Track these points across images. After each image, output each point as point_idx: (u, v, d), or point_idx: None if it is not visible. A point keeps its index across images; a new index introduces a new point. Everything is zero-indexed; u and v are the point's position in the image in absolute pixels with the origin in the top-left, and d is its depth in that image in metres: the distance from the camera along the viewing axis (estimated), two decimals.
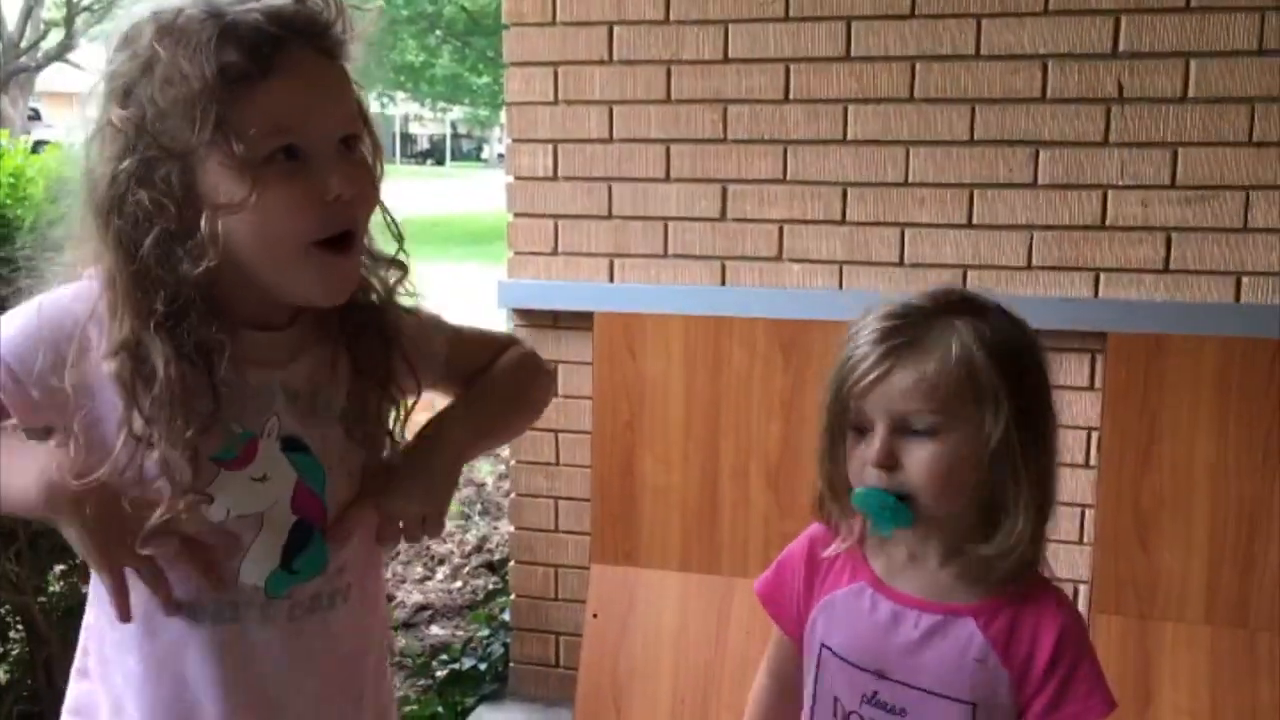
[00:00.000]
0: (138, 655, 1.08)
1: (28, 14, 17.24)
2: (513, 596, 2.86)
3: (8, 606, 2.31)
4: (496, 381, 1.27)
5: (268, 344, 1.09)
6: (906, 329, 1.17)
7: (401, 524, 1.16)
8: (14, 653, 2.43)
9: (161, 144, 0.98)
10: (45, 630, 2.26)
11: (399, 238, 1.16)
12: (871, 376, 1.15)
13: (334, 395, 1.13)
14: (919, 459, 1.15)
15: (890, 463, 1.15)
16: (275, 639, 1.10)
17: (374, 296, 1.15)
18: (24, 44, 17.50)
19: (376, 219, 1.13)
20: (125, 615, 1.04)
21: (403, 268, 1.17)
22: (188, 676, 1.08)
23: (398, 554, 4.17)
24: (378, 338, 1.15)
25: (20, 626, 2.35)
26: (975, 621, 1.19)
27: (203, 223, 0.99)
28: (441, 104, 24.43)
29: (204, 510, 1.04)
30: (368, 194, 1.07)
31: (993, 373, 1.14)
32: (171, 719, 1.09)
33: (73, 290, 1.05)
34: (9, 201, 2.13)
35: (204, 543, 1.05)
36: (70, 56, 17.25)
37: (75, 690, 1.16)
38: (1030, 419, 1.17)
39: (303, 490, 1.09)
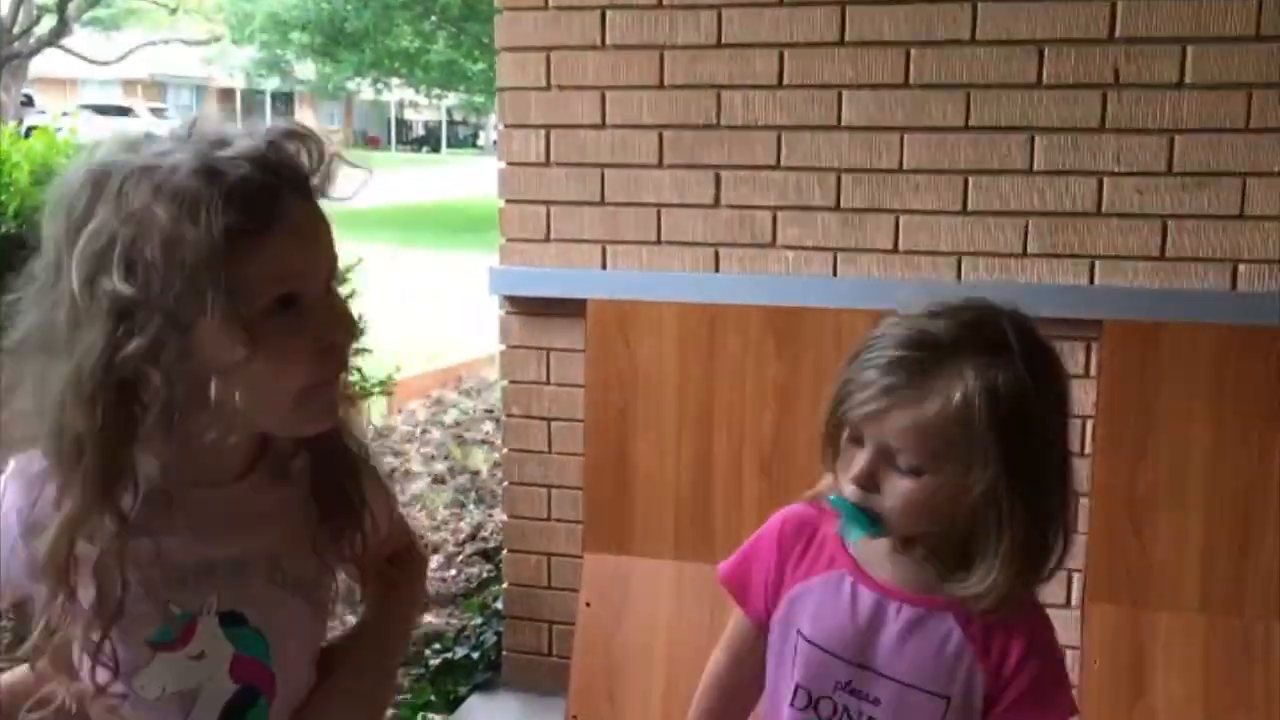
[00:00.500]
0: None
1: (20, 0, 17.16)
2: (505, 585, 2.86)
3: None
4: (412, 606, 1.30)
5: (217, 507, 1.05)
6: (915, 366, 1.14)
7: None
8: None
9: (168, 316, 0.92)
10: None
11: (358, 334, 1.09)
12: (867, 410, 1.14)
13: (290, 564, 1.08)
14: (897, 490, 1.15)
15: (869, 485, 1.16)
16: None
17: (350, 442, 1.12)
18: (16, 30, 17.43)
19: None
20: None
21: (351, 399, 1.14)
22: None
23: None
24: (343, 475, 1.11)
25: None
26: (955, 618, 1.19)
27: (212, 390, 0.95)
28: (436, 90, 24.37)
29: (138, 688, 1.02)
30: (353, 333, 1.04)
31: (988, 431, 1.11)
32: None
33: None
34: None
35: None
36: (63, 42, 17.18)
37: None
38: (1027, 472, 1.14)
39: (242, 660, 1.06)
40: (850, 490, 1.17)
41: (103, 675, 1.01)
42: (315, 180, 1.00)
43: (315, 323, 0.98)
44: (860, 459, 1.16)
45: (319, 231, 1.01)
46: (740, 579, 1.34)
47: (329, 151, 1.01)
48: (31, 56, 17.60)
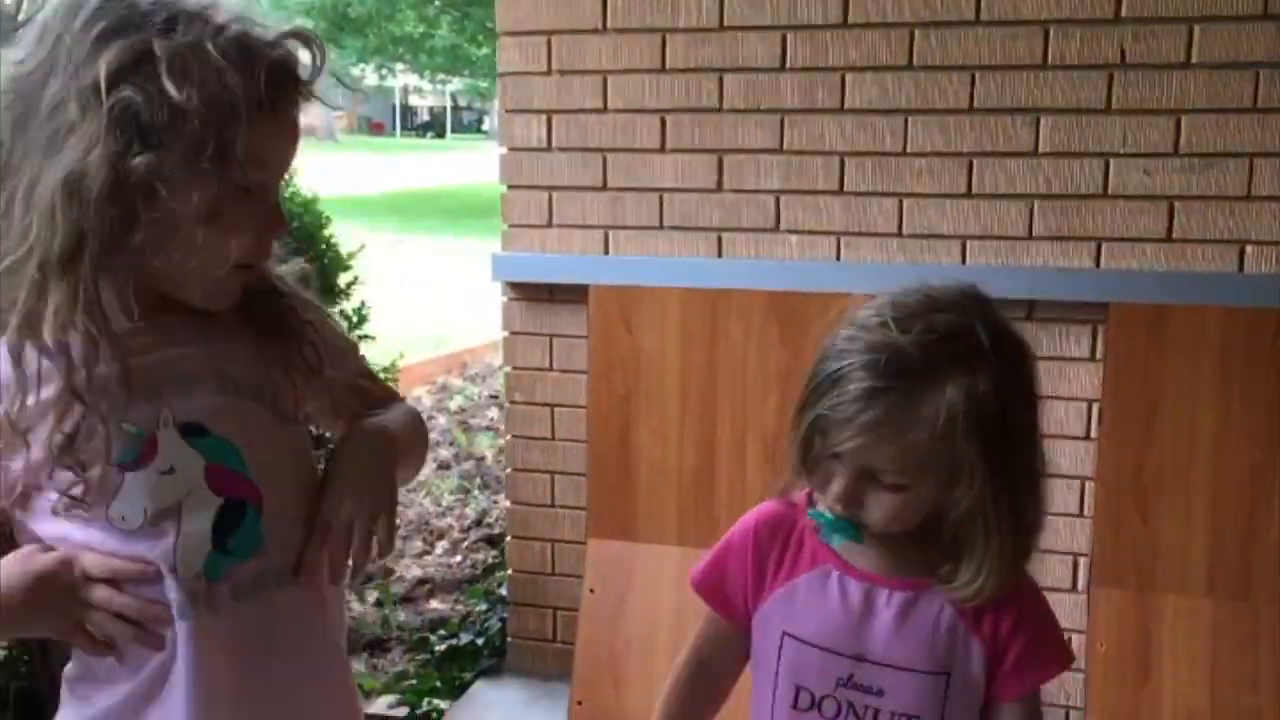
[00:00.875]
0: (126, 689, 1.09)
1: None
2: (510, 571, 2.85)
3: None
4: (400, 414, 1.28)
5: (152, 332, 1.07)
6: (895, 398, 1.09)
7: (354, 532, 1.12)
8: None
9: (205, 143, 0.96)
10: None
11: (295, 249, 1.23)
12: (851, 446, 1.11)
13: (239, 373, 1.11)
14: (881, 504, 1.14)
15: (853, 503, 1.15)
16: (225, 625, 1.07)
17: (281, 288, 1.17)
18: (21, 16, 17.43)
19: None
20: (120, 653, 1.06)
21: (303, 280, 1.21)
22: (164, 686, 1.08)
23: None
24: (282, 317, 1.16)
25: None
26: (944, 594, 1.19)
27: (170, 224, 0.99)
28: (441, 76, 24.31)
29: (118, 518, 1.03)
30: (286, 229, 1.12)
31: (972, 444, 1.09)
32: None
33: None
34: None
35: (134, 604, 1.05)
36: None
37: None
38: (1011, 474, 1.13)
39: (217, 471, 1.07)
40: (833, 505, 1.16)
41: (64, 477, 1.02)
42: (309, 83, 1.07)
43: (266, 209, 1.06)
44: (840, 479, 1.14)
45: (295, 133, 1.07)
46: (714, 583, 1.32)
47: (326, 64, 1.07)
48: None
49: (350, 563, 1.14)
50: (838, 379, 1.12)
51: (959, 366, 1.10)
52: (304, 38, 1.06)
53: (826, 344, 1.17)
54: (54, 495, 1.04)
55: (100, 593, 1.04)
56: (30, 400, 1.00)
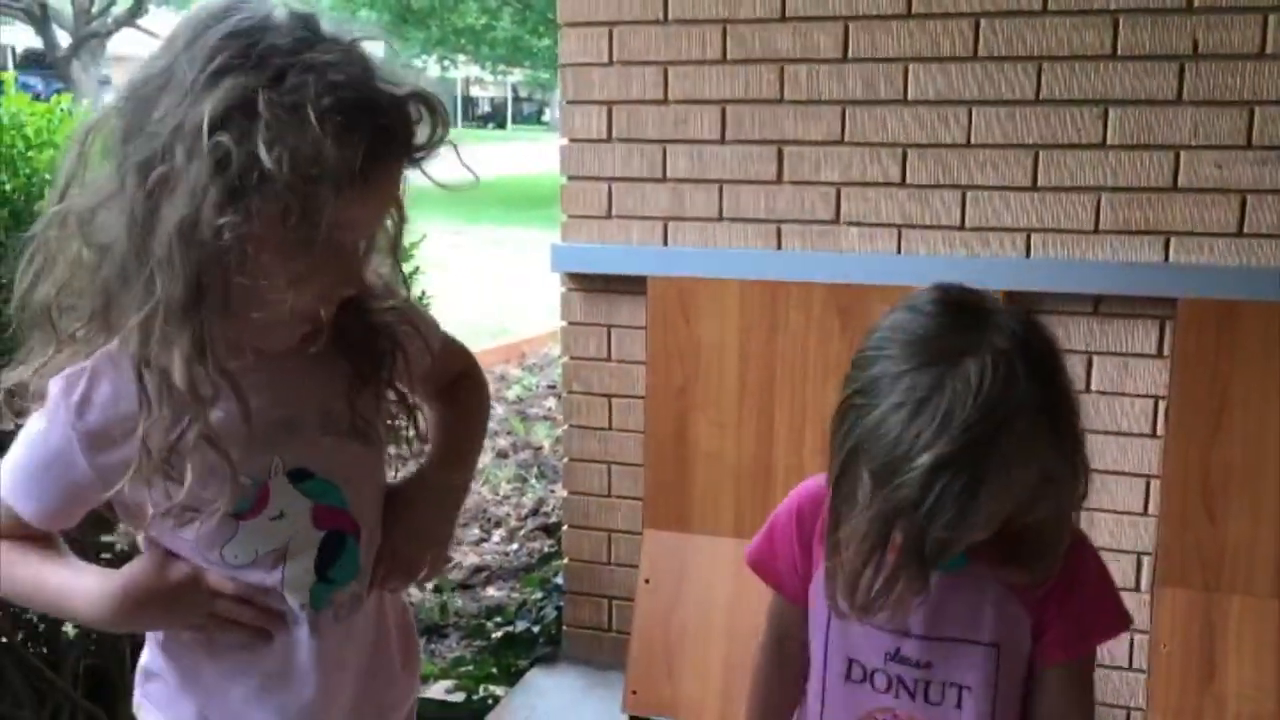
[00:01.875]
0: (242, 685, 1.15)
1: None
2: (566, 560, 2.87)
3: None
4: (474, 422, 1.35)
5: (251, 379, 1.07)
6: (971, 464, 1.01)
7: (410, 565, 1.22)
8: None
9: (291, 208, 0.94)
10: None
11: (405, 290, 1.20)
12: (942, 536, 1.03)
13: (339, 410, 1.14)
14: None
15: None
16: (323, 646, 1.15)
17: (374, 314, 1.16)
18: (94, 10, 17.77)
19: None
20: (268, 634, 1.13)
21: (397, 312, 1.19)
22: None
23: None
24: (376, 344, 1.16)
25: None
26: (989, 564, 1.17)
27: (260, 278, 0.98)
28: (502, 67, 24.40)
29: (230, 558, 1.09)
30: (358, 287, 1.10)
31: (1058, 469, 1.07)
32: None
33: (47, 416, 1.05)
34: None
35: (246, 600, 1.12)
36: (140, 22, 17.48)
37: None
38: (1077, 478, 1.11)
39: (320, 509, 1.13)
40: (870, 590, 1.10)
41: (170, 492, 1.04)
42: (419, 155, 1.03)
43: (343, 267, 1.03)
44: (892, 557, 1.06)
45: (393, 199, 1.05)
46: (767, 561, 1.33)
47: (447, 137, 1.04)
48: (109, 36, 17.94)
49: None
50: (904, 448, 1.02)
51: (1029, 399, 1.04)
52: (429, 104, 1.01)
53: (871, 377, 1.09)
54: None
55: (224, 604, 1.10)
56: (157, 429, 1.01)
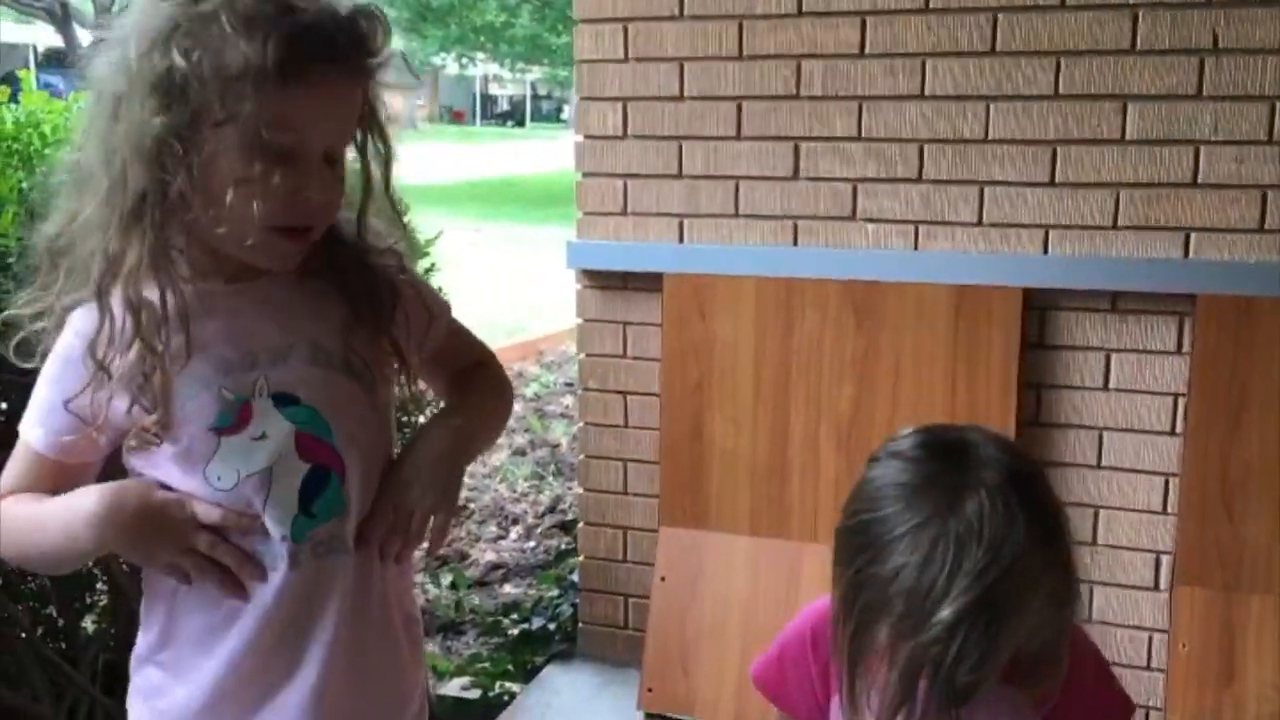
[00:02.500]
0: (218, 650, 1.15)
1: None
2: (582, 558, 2.87)
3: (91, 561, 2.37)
4: (487, 398, 1.33)
5: (248, 300, 1.14)
6: (989, 607, 1.02)
7: (413, 519, 1.20)
8: (100, 603, 2.50)
9: (211, 105, 1.02)
10: (125, 583, 2.32)
11: (401, 227, 1.24)
12: (969, 680, 1.03)
13: (332, 344, 1.17)
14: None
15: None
16: (301, 579, 1.14)
17: (371, 261, 1.20)
18: (115, 9, 17.90)
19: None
20: (243, 591, 1.13)
21: (397, 255, 1.23)
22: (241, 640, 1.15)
23: (471, 513, 4.21)
24: (375, 288, 1.19)
25: (104, 579, 2.41)
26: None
27: (203, 183, 1.05)
28: (521, 64, 24.45)
29: (214, 479, 1.11)
30: (335, 204, 1.13)
31: (1061, 589, 1.09)
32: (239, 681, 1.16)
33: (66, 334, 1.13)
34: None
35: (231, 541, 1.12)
36: None
37: (146, 677, 1.21)
38: (1073, 577, 1.12)
39: (306, 438, 1.14)
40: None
41: (140, 414, 1.10)
42: (369, 60, 1.09)
43: (298, 174, 1.06)
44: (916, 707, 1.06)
45: (342, 108, 1.10)
46: (779, 684, 1.31)
47: (390, 45, 1.10)
48: None
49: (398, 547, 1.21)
50: (926, 585, 1.04)
51: (1033, 532, 1.05)
52: (366, 12, 1.08)
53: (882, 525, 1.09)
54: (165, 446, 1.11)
55: (205, 538, 1.11)
56: (115, 349, 1.08)
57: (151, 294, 1.08)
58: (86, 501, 1.11)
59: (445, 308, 1.32)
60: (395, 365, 1.22)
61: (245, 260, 1.12)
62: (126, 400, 1.09)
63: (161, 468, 1.12)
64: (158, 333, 1.07)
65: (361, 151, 1.15)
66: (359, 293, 1.18)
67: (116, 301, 1.07)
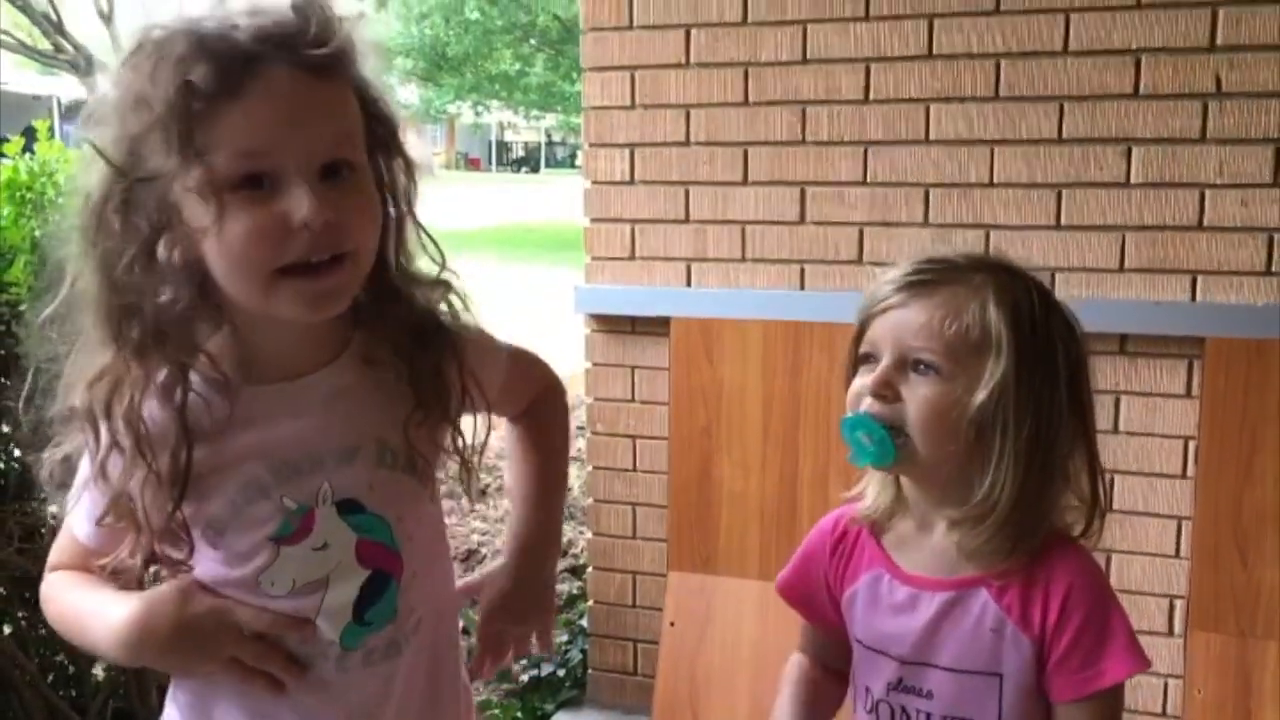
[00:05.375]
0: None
1: None
2: (591, 603, 2.86)
3: None
4: (556, 457, 1.35)
5: (312, 396, 1.06)
6: (930, 273, 1.17)
7: (515, 642, 1.26)
8: None
9: (137, 167, 0.94)
10: None
11: (440, 257, 1.12)
12: (887, 303, 1.17)
13: (397, 442, 1.09)
14: (919, 395, 1.13)
15: (888, 393, 1.14)
16: (351, 682, 1.10)
17: (428, 315, 1.13)
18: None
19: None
20: (281, 686, 1.07)
21: (446, 286, 1.13)
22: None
23: (482, 559, 4.20)
24: (437, 356, 1.11)
25: None
26: (988, 591, 1.16)
27: (161, 247, 0.96)
28: (535, 112, 24.68)
29: (267, 586, 1.05)
30: (352, 219, 0.98)
31: (1004, 328, 1.13)
32: None
33: None
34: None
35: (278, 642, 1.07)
36: None
37: None
38: (1036, 380, 1.13)
39: (366, 545, 1.08)
40: (868, 402, 1.15)
41: (174, 551, 1.04)
42: (324, 51, 0.95)
43: (284, 200, 0.94)
44: (876, 368, 1.16)
45: (309, 109, 0.95)
46: (800, 591, 1.32)
47: (344, 26, 0.97)
48: None
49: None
50: (882, 274, 1.21)
51: (995, 271, 1.18)
52: (301, 6, 0.96)
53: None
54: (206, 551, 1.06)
55: (251, 649, 1.05)
56: (122, 471, 1.01)
57: (163, 410, 1.00)
58: (119, 620, 1.03)
59: (500, 345, 1.24)
60: (455, 456, 1.16)
61: (285, 317, 1.00)
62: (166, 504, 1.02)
63: (204, 565, 1.05)
64: (170, 449, 0.99)
65: (374, 164, 1.03)
66: (425, 381, 1.09)
67: (117, 424, 0.99)
